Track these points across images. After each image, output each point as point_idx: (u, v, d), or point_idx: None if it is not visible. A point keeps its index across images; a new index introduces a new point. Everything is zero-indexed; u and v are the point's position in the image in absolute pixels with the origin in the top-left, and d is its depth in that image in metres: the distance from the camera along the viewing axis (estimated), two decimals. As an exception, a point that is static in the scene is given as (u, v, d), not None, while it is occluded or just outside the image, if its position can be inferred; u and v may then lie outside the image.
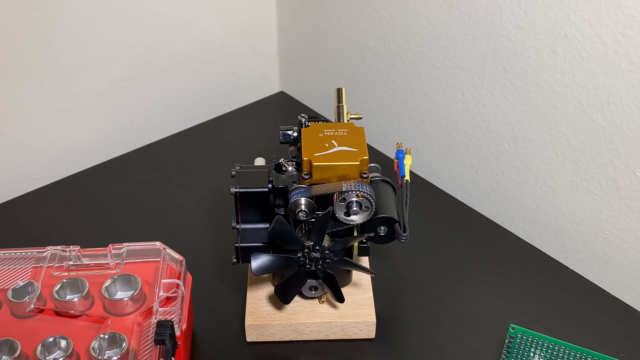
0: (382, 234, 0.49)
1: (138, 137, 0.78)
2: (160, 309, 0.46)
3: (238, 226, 0.50)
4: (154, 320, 0.45)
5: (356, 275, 0.55)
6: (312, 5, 0.79)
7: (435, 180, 0.73)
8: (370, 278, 0.56)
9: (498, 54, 0.62)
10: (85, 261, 0.50)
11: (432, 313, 0.56)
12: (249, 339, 0.53)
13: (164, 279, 0.48)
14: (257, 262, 0.48)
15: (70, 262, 0.50)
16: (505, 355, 0.47)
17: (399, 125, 0.76)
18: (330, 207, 0.47)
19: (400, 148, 0.51)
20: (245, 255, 0.50)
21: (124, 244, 0.51)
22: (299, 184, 0.48)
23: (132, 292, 0.47)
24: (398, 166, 0.51)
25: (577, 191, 0.61)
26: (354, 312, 0.53)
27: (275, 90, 0.90)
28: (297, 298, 0.53)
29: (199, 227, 0.65)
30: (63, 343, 0.44)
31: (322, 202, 0.48)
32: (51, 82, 0.70)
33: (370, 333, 0.53)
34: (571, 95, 0.58)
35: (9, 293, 0.47)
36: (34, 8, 0.65)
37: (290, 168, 0.50)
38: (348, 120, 0.54)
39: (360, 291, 0.54)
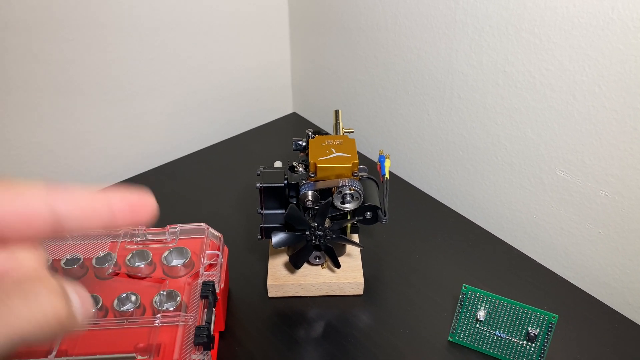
0: (368, 218, 0.49)
1: (188, 146, 0.78)
2: (204, 273, 0.46)
3: (262, 212, 0.51)
4: (200, 281, 0.45)
5: (349, 247, 0.55)
6: (316, 49, 0.79)
7: (407, 178, 0.73)
8: (359, 250, 0.56)
9: (454, 84, 0.62)
10: (150, 237, 0.50)
11: (405, 275, 0.56)
12: (270, 295, 0.53)
13: (207, 250, 0.48)
14: (276, 238, 0.48)
15: (138, 238, 0.50)
16: (459, 307, 0.47)
17: (381, 137, 0.76)
18: (330, 198, 0.47)
19: (382, 154, 0.51)
20: (267, 233, 0.50)
21: (178, 225, 0.51)
22: (307, 180, 0.48)
23: (184, 260, 0.47)
24: (380, 167, 0.51)
25: (512, 186, 0.61)
26: (348, 275, 0.53)
27: (289, 111, 0.90)
28: (305, 264, 0.53)
29: (233, 212, 0.65)
30: (133, 297, 0.44)
31: (324, 194, 0.48)
32: (125, 106, 0.70)
33: (360, 290, 0.53)
34: (508, 115, 0.58)
35: (93, 261, 0.48)
36: (111, 52, 0.65)
37: (300, 169, 0.50)
38: (343, 133, 0.54)
39: (352, 259, 0.54)
